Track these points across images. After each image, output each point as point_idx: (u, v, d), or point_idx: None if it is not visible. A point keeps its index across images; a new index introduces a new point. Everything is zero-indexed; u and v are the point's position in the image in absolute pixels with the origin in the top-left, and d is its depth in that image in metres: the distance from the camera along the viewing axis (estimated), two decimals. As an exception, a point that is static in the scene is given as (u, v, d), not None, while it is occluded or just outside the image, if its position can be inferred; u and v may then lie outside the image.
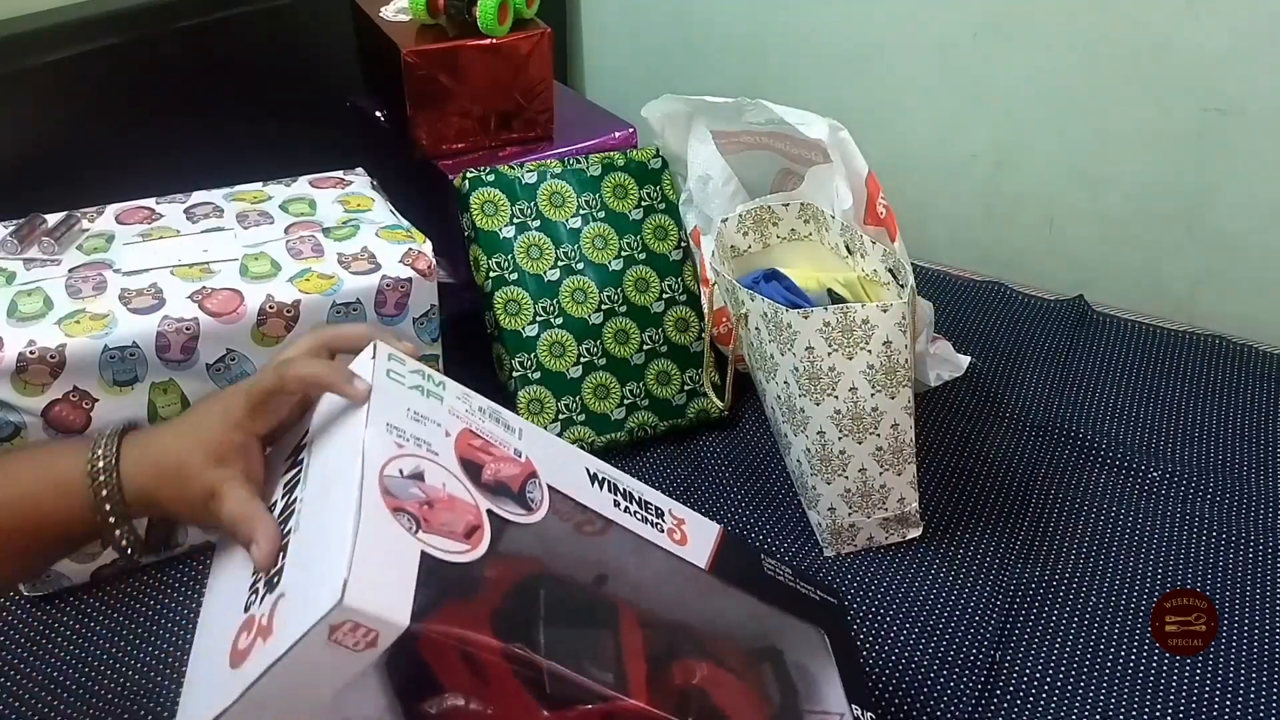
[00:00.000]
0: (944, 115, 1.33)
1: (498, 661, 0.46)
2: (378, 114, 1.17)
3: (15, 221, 0.83)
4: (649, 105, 1.05)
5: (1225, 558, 0.87)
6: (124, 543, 0.52)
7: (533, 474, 0.54)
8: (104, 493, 0.51)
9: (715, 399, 0.99)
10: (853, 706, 0.63)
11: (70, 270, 0.79)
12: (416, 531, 0.46)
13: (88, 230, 0.85)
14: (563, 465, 0.57)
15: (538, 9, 1.10)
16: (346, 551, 0.43)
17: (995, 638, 0.80)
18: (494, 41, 1.06)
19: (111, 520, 0.51)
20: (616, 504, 0.58)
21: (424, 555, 0.45)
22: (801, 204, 0.95)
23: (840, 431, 0.82)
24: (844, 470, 0.84)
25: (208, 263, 0.81)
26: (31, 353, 0.72)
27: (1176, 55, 1.14)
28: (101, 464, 0.51)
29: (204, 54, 1.16)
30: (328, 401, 0.54)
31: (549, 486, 0.54)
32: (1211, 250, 1.21)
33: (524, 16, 1.09)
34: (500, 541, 0.49)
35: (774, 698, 0.58)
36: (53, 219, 0.84)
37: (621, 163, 1.04)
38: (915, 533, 0.88)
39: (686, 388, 1.01)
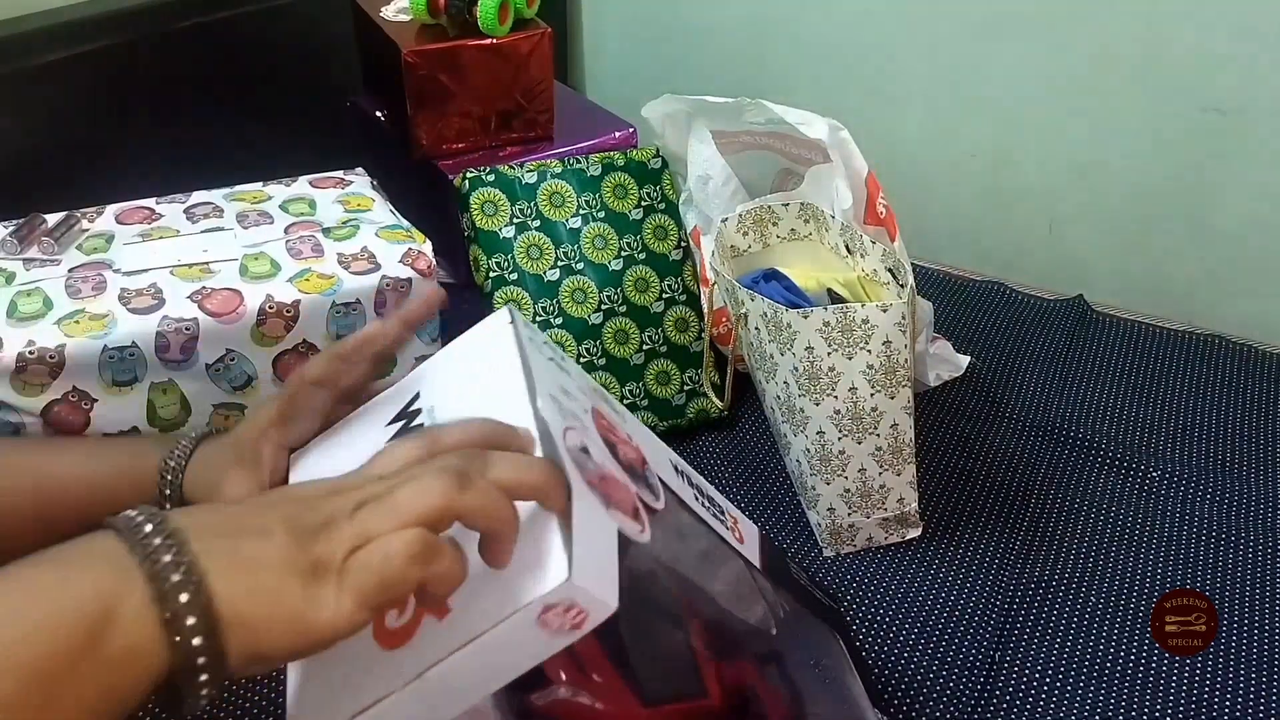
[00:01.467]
0: (944, 115, 1.33)
1: (599, 655, 0.45)
2: (378, 114, 1.17)
3: (15, 221, 0.83)
4: (649, 105, 1.05)
5: (1225, 558, 0.87)
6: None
7: (645, 460, 0.52)
8: (166, 491, 0.54)
9: (715, 399, 0.99)
10: (876, 710, 0.63)
11: (70, 270, 0.79)
12: (608, 508, 0.43)
13: (87, 230, 0.85)
14: (655, 453, 0.55)
15: (538, 9, 1.10)
16: (555, 526, 0.40)
17: (995, 638, 0.80)
18: (494, 41, 1.06)
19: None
20: (696, 498, 0.57)
21: (620, 534, 0.42)
22: (801, 204, 0.95)
23: (840, 431, 0.82)
24: (843, 470, 0.84)
25: (207, 263, 0.81)
26: (31, 353, 0.72)
27: (1176, 55, 1.14)
28: (171, 464, 0.54)
29: (203, 54, 1.16)
30: (427, 371, 0.52)
31: (659, 477, 0.52)
32: (1211, 250, 1.21)
33: (524, 16, 1.09)
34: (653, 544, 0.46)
35: (785, 699, 0.58)
36: (52, 219, 0.84)
37: (621, 163, 1.04)
38: (915, 533, 0.88)
39: (686, 388, 1.01)
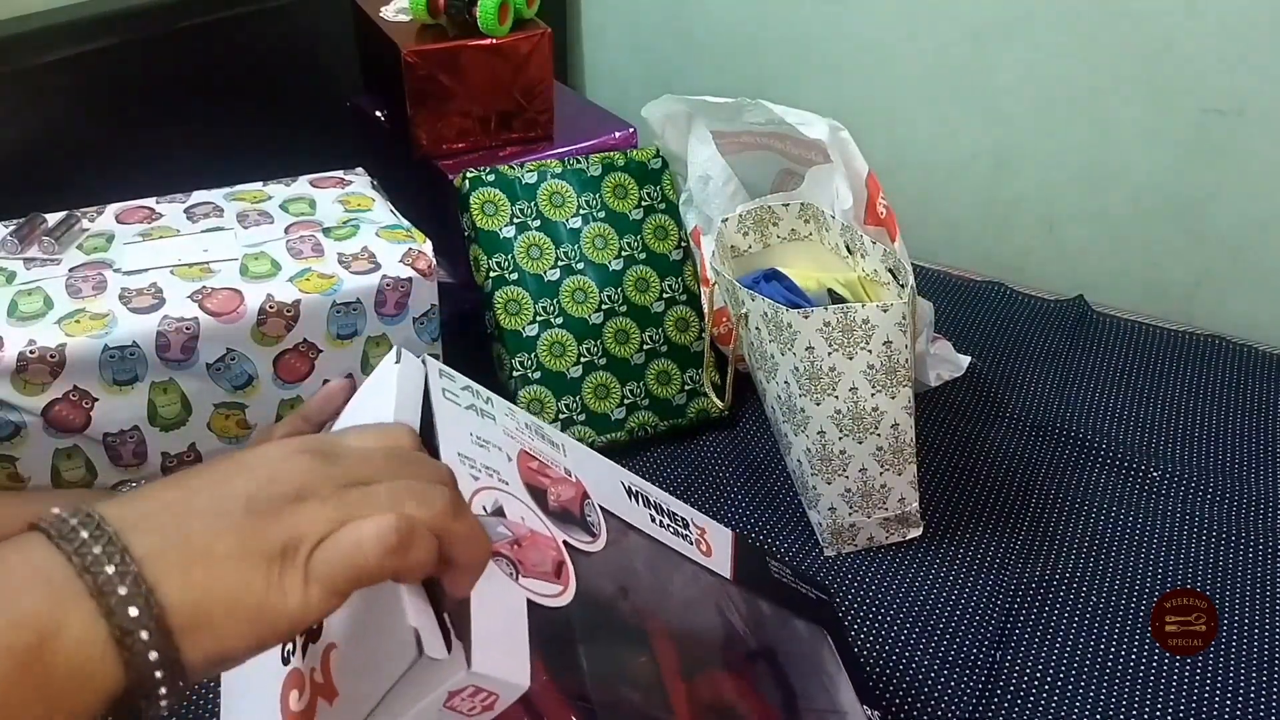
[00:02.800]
0: (944, 115, 1.33)
1: (559, 703, 0.43)
2: (378, 114, 1.17)
3: (15, 221, 0.83)
4: (649, 105, 1.05)
5: (1225, 558, 0.87)
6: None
7: (586, 495, 0.51)
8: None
9: (715, 399, 0.99)
10: (865, 708, 0.63)
11: (70, 270, 0.79)
12: (517, 578, 0.42)
13: (88, 230, 0.85)
14: (603, 481, 0.54)
15: (538, 9, 1.10)
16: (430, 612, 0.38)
17: (995, 638, 0.80)
18: (494, 41, 1.06)
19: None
20: (653, 519, 0.56)
21: (530, 604, 0.41)
22: (801, 204, 0.95)
23: (840, 431, 0.82)
24: (844, 470, 0.84)
25: (208, 262, 0.81)
26: (31, 352, 0.72)
27: (1176, 55, 1.14)
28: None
29: (204, 54, 1.16)
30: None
31: (600, 507, 0.51)
32: (1211, 250, 1.22)
33: (524, 16, 1.09)
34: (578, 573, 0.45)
35: (772, 697, 0.58)
36: (53, 219, 0.84)
37: (621, 163, 1.04)
38: (915, 532, 0.88)
39: (687, 387, 1.01)
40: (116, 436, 0.78)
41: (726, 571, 0.59)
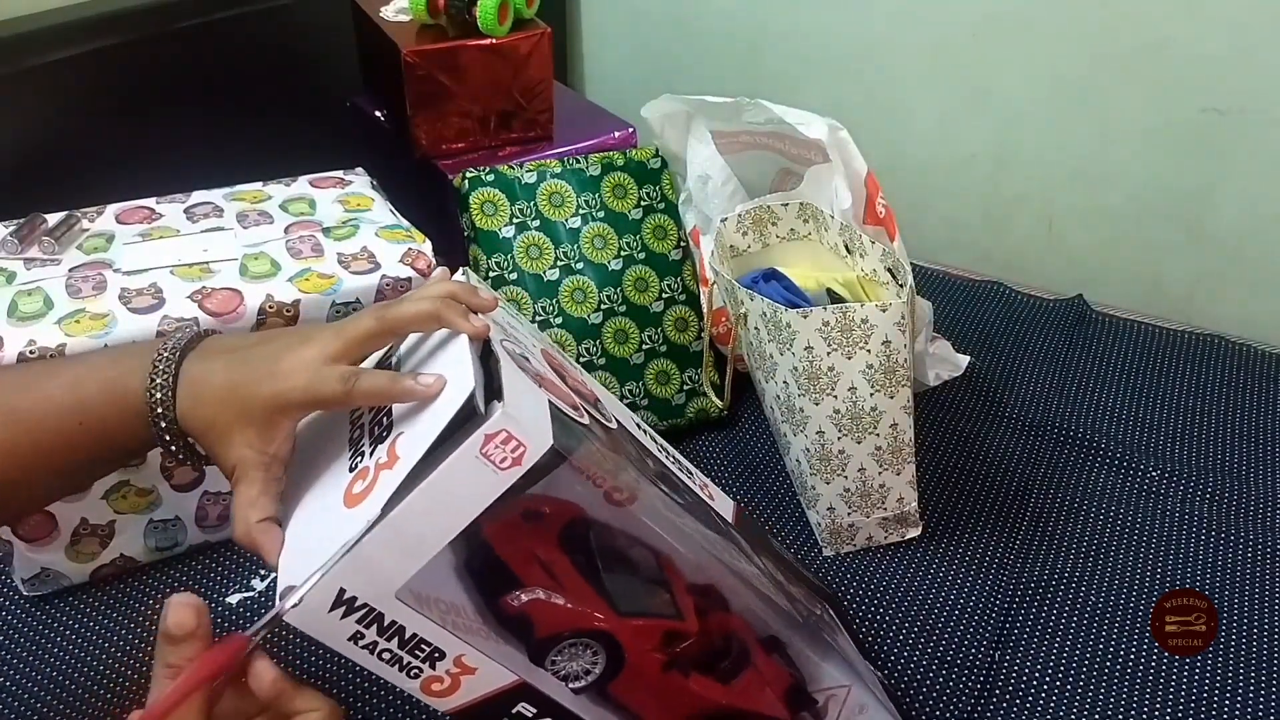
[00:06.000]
0: (943, 115, 1.33)
1: (570, 570, 0.48)
2: (378, 114, 1.18)
3: (15, 221, 0.83)
4: (648, 105, 1.05)
5: (1225, 558, 0.87)
6: (183, 459, 0.52)
7: (599, 399, 0.58)
8: (160, 424, 0.50)
9: (714, 398, 0.99)
10: (867, 662, 0.65)
11: (70, 270, 0.79)
12: (540, 386, 0.48)
13: (88, 230, 0.85)
14: (616, 406, 0.61)
15: (538, 9, 1.10)
16: (484, 391, 0.45)
17: (994, 637, 0.80)
18: (494, 41, 1.06)
19: (172, 447, 0.51)
20: (660, 451, 0.61)
21: (551, 405, 0.47)
22: (801, 204, 0.95)
23: (839, 431, 0.82)
24: (843, 470, 0.84)
25: (208, 262, 0.81)
26: (31, 352, 0.72)
27: (1176, 55, 1.14)
28: (159, 394, 0.49)
29: (204, 54, 1.16)
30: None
31: (613, 415, 0.57)
32: (1211, 250, 1.21)
33: (524, 16, 1.09)
34: (593, 435, 0.50)
35: (791, 671, 0.59)
36: (53, 219, 0.84)
37: (621, 163, 1.04)
38: (914, 532, 0.88)
39: (686, 387, 1.01)
40: (116, 436, 0.78)
41: (730, 516, 0.63)
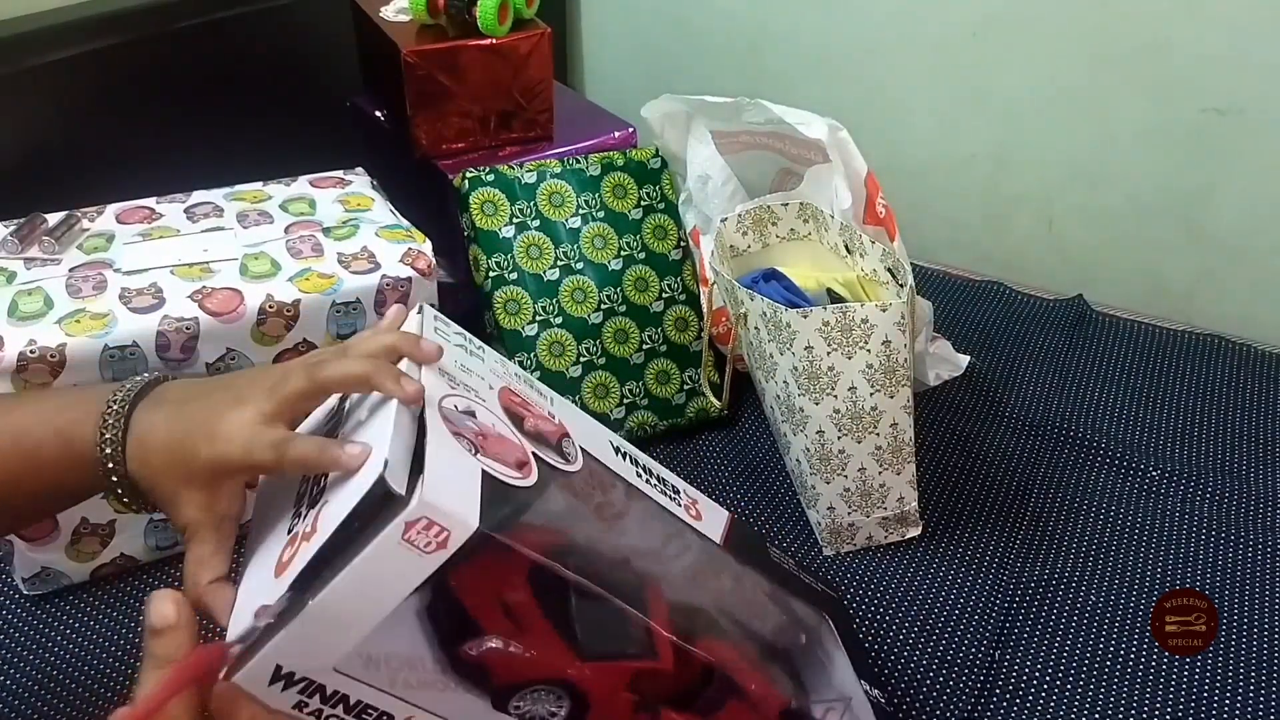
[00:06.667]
0: (943, 115, 1.33)
1: (534, 612, 0.47)
2: (378, 114, 1.18)
3: (15, 221, 0.83)
4: (648, 105, 1.05)
5: (1225, 558, 0.87)
6: (137, 509, 0.52)
7: (566, 434, 0.56)
8: (112, 479, 0.49)
9: (714, 398, 0.99)
10: (862, 682, 0.64)
11: (70, 270, 0.79)
12: (476, 454, 0.47)
13: (88, 230, 0.85)
14: (590, 433, 0.59)
15: (538, 9, 1.10)
16: (409, 459, 0.44)
17: (994, 637, 0.80)
18: (494, 41, 1.06)
19: (125, 499, 0.51)
20: (639, 475, 0.59)
21: (485, 474, 0.46)
22: (801, 204, 0.95)
23: (839, 431, 0.82)
24: (843, 469, 0.84)
25: (208, 262, 0.81)
26: (32, 352, 0.72)
27: (1176, 55, 1.14)
28: (109, 450, 0.49)
29: (204, 54, 1.16)
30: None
31: (581, 448, 0.56)
32: (1210, 250, 1.21)
33: (524, 16, 1.09)
34: (544, 491, 0.50)
35: (786, 693, 0.58)
36: (53, 219, 0.84)
37: (621, 162, 1.04)
38: (914, 532, 0.88)
39: (686, 387, 1.01)
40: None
41: (716, 538, 0.61)
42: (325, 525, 0.44)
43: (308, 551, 0.43)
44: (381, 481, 0.42)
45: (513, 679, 0.48)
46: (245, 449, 0.48)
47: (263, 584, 0.46)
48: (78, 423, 0.50)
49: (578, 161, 1.03)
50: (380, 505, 0.42)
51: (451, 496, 0.43)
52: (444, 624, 0.45)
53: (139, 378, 0.52)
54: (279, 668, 0.42)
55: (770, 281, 0.93)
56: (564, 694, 0.49)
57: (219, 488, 0.49)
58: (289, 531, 0.48)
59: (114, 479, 0.49)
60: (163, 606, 0.42)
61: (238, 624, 0.45)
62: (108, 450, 0.49)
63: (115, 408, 0.50)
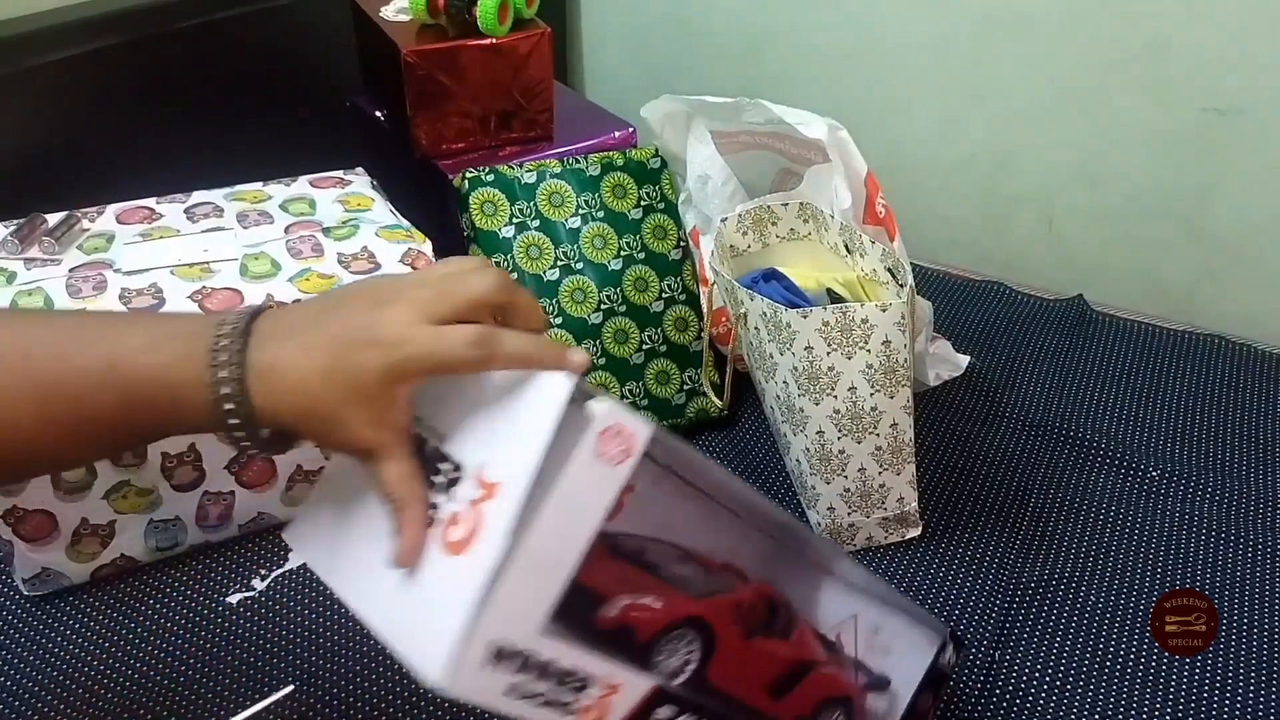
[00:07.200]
0: (943, 115, 1.33)
1: (635, 571, 0.47)
2: (378, 114, 1.18)
3: (15, 221, 0.83)
4: (648, 105, 1.05)
5: (1225, 558, 0.87)
6: (254, 453, 0.49)
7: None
8: (232, 421, 0.45)
9: (714, 398, 0.99)
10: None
11: (70, 270, 0.79)
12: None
13: (88, 230, 0.85)
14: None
15: (538, 9, 1.10)
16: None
17: (995, 637, 0.80)
18: (494, 41, 1.06)
19: (239, 437, 0.46)
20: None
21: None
22: (801, 204, 0.95)
23: (839, 431, 0.82)
24: (843, 470, 0.84)
25: (208, 262, 0.81)
26: (31, 352, 0.72)
27: (1176, 55, 1.14)
28: (228, 390, 0.44)
29: (204, 54, 1.16)
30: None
31: None
32: (1211, 250, 1.21)
33: (524, 16, 1.09)
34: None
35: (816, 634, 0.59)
36: (53, 219, 0.84)
37: (621, 162, 1.04)
38: (914, 532, 0.88)
39: (686, 387, 1.01)
40: (116, 436, 0.78)
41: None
42: (510, 473, 0.41)
43: (505, 504, 0.41)
44: (581, 391, 0.42)
45: (654, 629, 0.48)
46: (433, 348, 0.44)
47: (426, 575, 0.43)
48: (179, 363, 0.45)
49: (577, 161, 1.03)
50: (566, 429, 0.41)
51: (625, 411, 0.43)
52: (570, 605, 0.44)
53: (242, 314, 0.47)
54: (492, 644, 0.40)
55: (770, 281, 0.93)
56: (695, 636, 0.49)
57: (392, 399, 0.45)
58: (433, 514, 0.44)
59: (233, 420, 0.45)
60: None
61: (392, 628, 0.43)
62: (225, 390, 0.44)
63: (226, 343, 0.45)
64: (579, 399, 0.43)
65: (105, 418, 0.46)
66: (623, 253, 1.01)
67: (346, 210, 0.91)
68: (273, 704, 0.59)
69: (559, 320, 0.97)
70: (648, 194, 1.04)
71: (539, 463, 0.41)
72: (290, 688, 0.62)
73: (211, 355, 0.45)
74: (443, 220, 1.03)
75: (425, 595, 0.43)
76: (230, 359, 0.45)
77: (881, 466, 0.84)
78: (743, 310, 0.87)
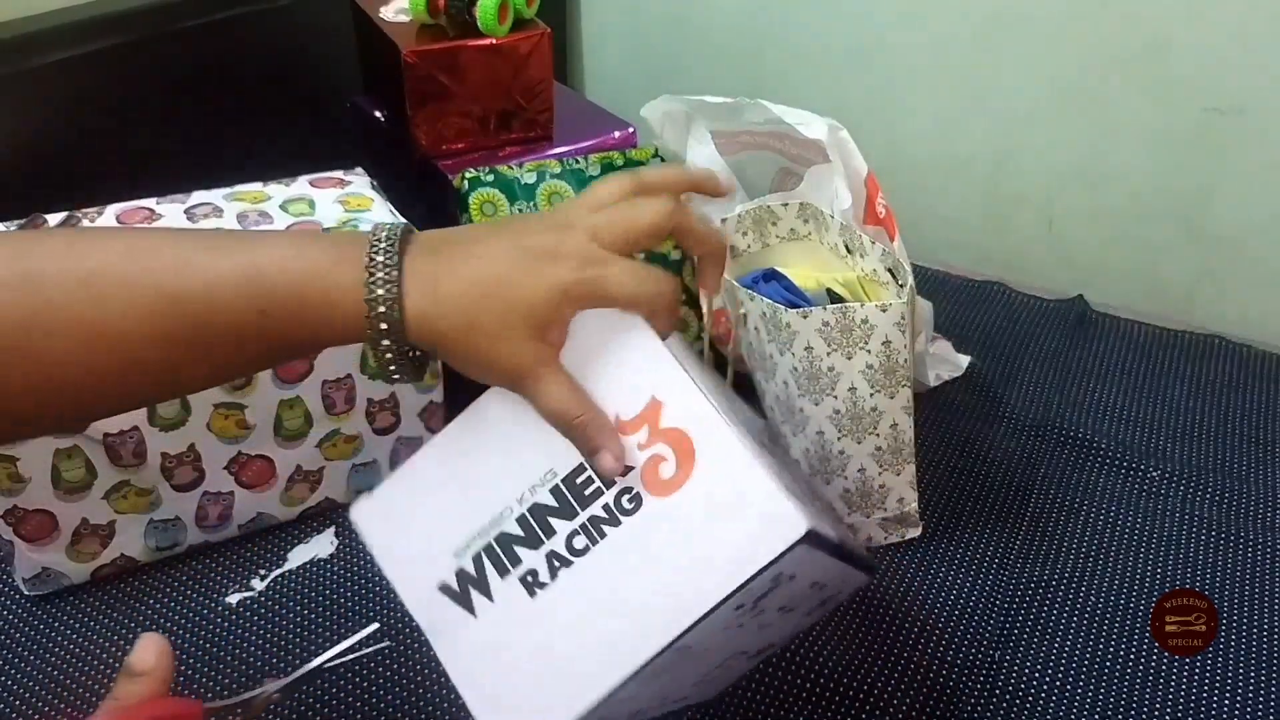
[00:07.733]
0: (943, 115, 1.33)
1: None
2: (378, 114, 1.18)
3: (15, 221, 0.83)
4: (648, 105, 1.05)
5: (1225, 558, 0.87)
6: (395, 370, 0.46)
7: None
8: (382, 327, 0.43)
9: (715, 399, 0.99)
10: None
11: (70, 270, 0.79)
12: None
13: (88, 230, 0.85)
14: None
15: (538, 9, 1.10)
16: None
17: (995, 638, 0.80)
18: (494, 41, 1.06)
19: (389, 357, 0.45)
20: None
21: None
22: (801, 204, 0.95)
23: (839, 431, 0.82)
24: (843, 470, 0.84)
25: (207, 263, 0.81)
26: (31, 352, 0.72)
27: (1176, 55, 1.14)
28: (382, 292, 0.42)
29: (204, 54, 1.16)
30: None
31: None
32: (1211, 250, 1.21)
33: (524, 16, 1.09)
34: None
35: None
36: (53, 219, 0.84)
37: (621, 163, 1.04)
38: (915, 532, 0.88)
39: (686, 388, 1.01)
40: (116, 437, 0.78)
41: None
42: (662, 382, 0.45)
43: (693, 409, 0.45)
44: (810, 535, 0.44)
45: None
46: (622, 279, 0.45)
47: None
48: (330, 267, 0.44)
49: (577, 162, 1.03)
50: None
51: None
52: None
53: (396, 226, 0.46)
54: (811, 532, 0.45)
55: (770, 281, 0.93)
56: None
57: (559, 320, 0.45)
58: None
59: (383, 327, 0.43)
60: (145, 652, 0.40)
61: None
62: (379, 293, 0.43)
63: (384, 247, 0.44)
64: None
65: (235, 333, 0.44)
66: (623, 253, 1.01)
67: (346, 210, 0.91)
68: (361, 640, 0.56)
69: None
70: (648, 194, 1.04)
71: (683, 368, 0.44)
72: (375, 625, 0.59)
73: (369, 258, 0.43)
74: (443, 220, 1.03)
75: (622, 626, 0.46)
76: (388, 261, 0.43)
77: (882, 467, 0.84)
78: (742, 310, 0.87)
